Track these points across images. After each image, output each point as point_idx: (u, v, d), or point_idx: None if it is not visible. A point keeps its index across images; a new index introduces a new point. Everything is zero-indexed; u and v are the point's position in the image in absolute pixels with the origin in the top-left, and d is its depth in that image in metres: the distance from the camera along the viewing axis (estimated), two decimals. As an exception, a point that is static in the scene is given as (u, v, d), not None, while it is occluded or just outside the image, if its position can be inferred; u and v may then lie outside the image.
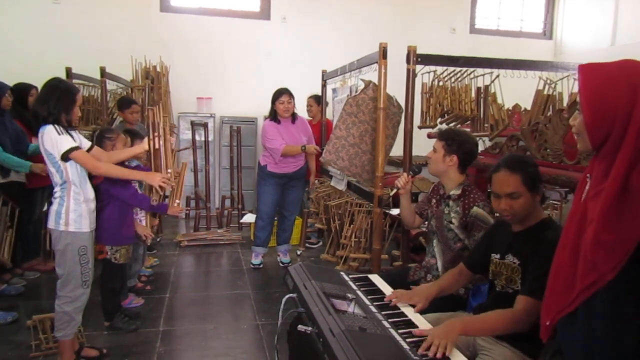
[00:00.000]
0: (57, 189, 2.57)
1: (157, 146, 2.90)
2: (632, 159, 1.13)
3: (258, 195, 4.54)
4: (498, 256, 1.94)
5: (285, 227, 4.60)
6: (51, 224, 2.55)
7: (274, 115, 4.29)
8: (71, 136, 2.55)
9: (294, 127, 4.34)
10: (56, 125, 2.48)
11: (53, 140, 2.45)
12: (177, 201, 3.22)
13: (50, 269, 4.10)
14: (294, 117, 4.35)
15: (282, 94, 4.24)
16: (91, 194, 2.65)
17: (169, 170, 2.90)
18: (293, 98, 4.28)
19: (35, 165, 3.58)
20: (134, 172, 2.87)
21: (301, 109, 5.58)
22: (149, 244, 3.88)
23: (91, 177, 2.73)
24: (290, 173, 4.36)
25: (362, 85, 3.66)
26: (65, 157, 2.46)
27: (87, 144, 2.66)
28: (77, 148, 2.48)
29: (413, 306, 1.97)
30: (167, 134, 2.97)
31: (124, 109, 4.31)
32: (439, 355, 1.54)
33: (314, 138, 4.57)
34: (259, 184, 4.49)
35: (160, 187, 2.84)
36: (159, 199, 3.06)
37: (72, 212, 2.54)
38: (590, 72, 1.21)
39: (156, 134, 2.86)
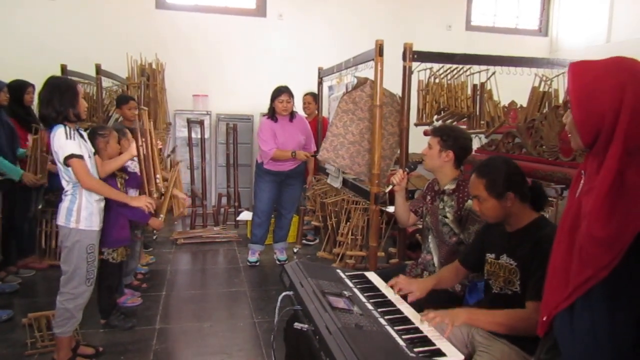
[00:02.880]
0: (67, 186, 2.57)
1: (135, 153, 2.85)
2: (622, 156, 1.13)
3: (255, 193, 4.53)
4: (493, 256, 1.94)
5: (282, 224, 4.59)
6: (61, 221, 2.55)
7: (271, 113, 4.26)
8: (82, 137, 2.57)
9: (292, 125, 4.32)
10: (67, 127, 2.49)
11: (61, 143, 2.47)
12: (162, 215, 3.18)
13: (45, 267, 4.10)
14: (292, 115, 4.32)
15: (282, 92, 4.20)
16: None
17: (158, 176, 2.87)
18: (292, 97, 4.25)
19: (26, 175, 3.59)
20: (120, 195, 2.80)
21: (297, 107, 5.58)
22: (155, 238, 3.78)
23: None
24: (287, 171, 4.34)
25: (356, 82, 3.66)
26: (65, 162, 2.47)
27: (91, 150, 2.67)
28: (78, 156, 2.48)
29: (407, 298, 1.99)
30: (155, 140, 2.93)
31: (122, 105, 4.30)
32: (433, 323, 1.64)
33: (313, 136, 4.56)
34: (256, 182, 4.47)
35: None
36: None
37: (84, 209, 2.55)
38: (579, 70, 1.22)
39: (144, 139, 2.82)
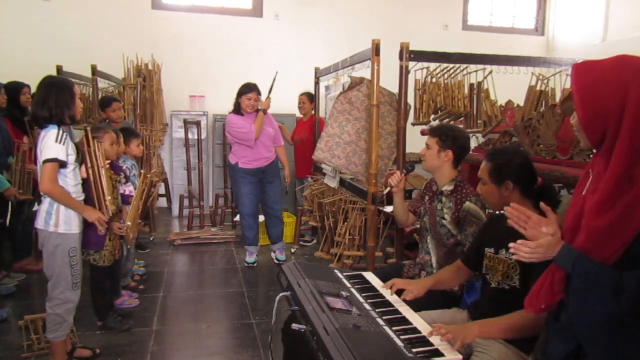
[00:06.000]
0: None
1: (84, 175, 2.69)
2: (630, 154, 1.13)
3: (236, 196, 4.43)
4: (492, 250, 1.94)
5: (274, 223, 4.50)
6: (40, 224, 2.49)
7: (237, 108, 4.20)
8: (75, 145, 2.51)
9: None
10: (61, 131, 2.44)
11: (48, 144, 2.40)
12: (128, 222, 2.99)
13: (41, 268, 4.04)
14: (256, 111, 4.25)
15: (251, 90, 4.15)
16: (80, 195, 2.60)
17: (107, 198, 2.74)
18: (260, 95, 4.22)
19: (9, 190, 3.56)
20: (75, 203, 2.55)
21: (293, 106, 5.57)
22: (151, 239, 3.52)
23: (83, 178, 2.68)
24: (264, 167, 4.27)
25: (350, 82, 3.66)
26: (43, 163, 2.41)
27: (74, 161, 2.55)
28: (54, 161, 2.39)
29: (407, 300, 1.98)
30: (104, 162, 2.75)
31: (106, 108, 4.28)
32: (443, 339, 1.61)
33: (280, 133, 4.51)
34: (235, 185, 4.38)
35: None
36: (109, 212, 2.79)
37: (62, 213, 2.49)
38: (582, 71, 1.22)
39: (89, 165, 2.67)
